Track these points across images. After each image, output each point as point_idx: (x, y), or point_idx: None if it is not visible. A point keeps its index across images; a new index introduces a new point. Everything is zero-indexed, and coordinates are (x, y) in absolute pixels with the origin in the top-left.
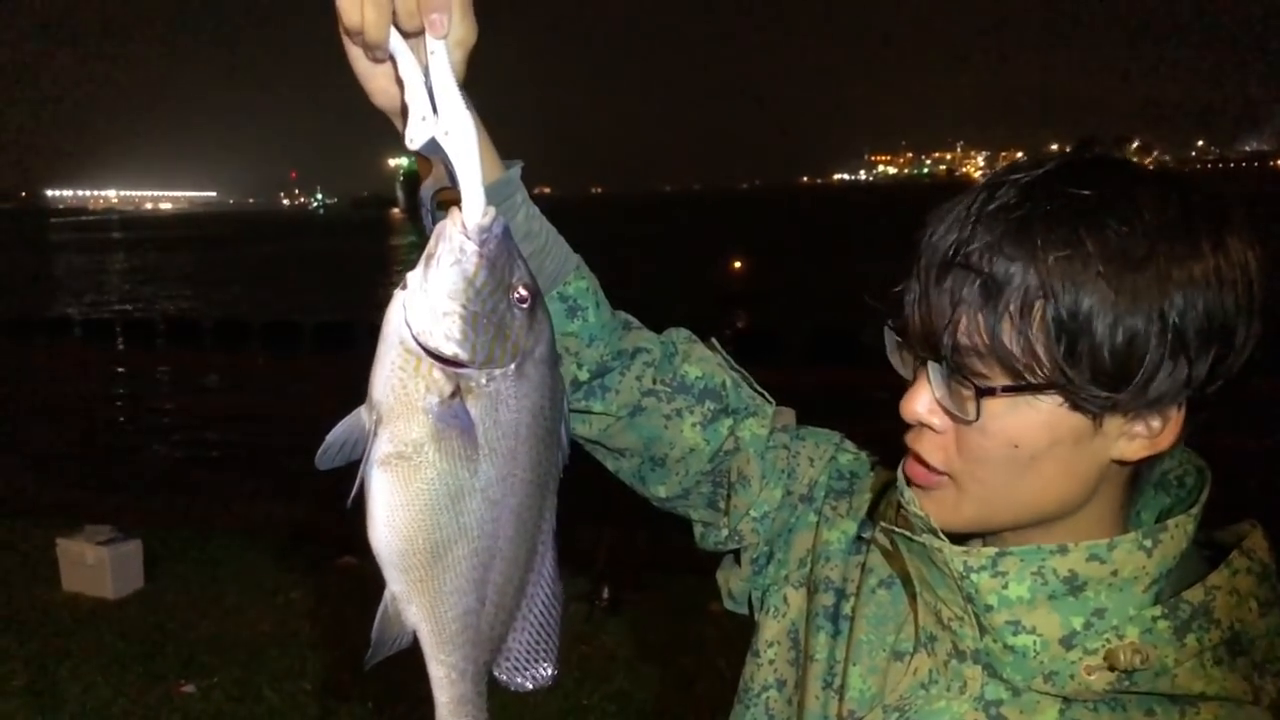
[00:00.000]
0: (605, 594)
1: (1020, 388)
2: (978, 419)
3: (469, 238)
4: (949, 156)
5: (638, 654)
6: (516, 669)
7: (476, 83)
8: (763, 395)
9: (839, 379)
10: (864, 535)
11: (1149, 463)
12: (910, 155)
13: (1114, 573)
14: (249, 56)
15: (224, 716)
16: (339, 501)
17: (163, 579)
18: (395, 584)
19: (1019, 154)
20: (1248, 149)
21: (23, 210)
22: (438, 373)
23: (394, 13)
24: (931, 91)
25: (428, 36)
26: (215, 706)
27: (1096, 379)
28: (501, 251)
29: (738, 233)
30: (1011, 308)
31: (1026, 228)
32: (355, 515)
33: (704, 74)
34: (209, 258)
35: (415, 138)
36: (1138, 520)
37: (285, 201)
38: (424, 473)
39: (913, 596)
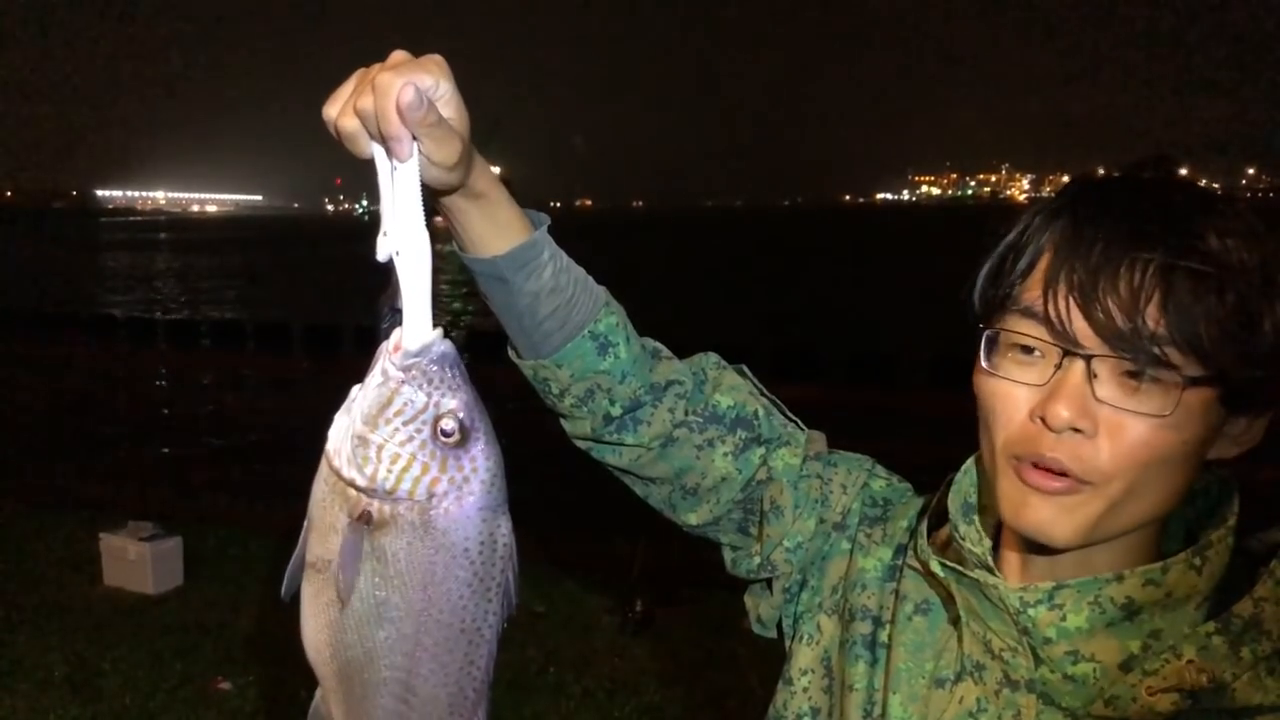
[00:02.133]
0: (638, 607)
1: (1218, 378)
2: (1172, 413)
3: (394, 363)
4: (994, 178)
5: (670, 668)
6: None
7: (518, 95)
8: (795, 422)
9: (877, 398)
10: (897, 562)
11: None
12: (954, 176)
13: (1168, 594)
14: (297, 64)
15: (259, 714)
16: None
17: (202, 577)
18: (321, 685)
19: (1065, 178)
20: None
21: (74, 209)
22: (351, 491)
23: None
24: (978, 113)
25: (390, 157)
26: (251, 704)
27: (1266, 370)
28: (430, 380)
29: (778, 250)
30: (1205, 298)
31: (1185, 223)
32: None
33: (749, 90)
34: (253, 260)
35: (378, 251)
36: (1166, 533)
37: (329, 207)
38: (331, 590)
39: (953, 621)
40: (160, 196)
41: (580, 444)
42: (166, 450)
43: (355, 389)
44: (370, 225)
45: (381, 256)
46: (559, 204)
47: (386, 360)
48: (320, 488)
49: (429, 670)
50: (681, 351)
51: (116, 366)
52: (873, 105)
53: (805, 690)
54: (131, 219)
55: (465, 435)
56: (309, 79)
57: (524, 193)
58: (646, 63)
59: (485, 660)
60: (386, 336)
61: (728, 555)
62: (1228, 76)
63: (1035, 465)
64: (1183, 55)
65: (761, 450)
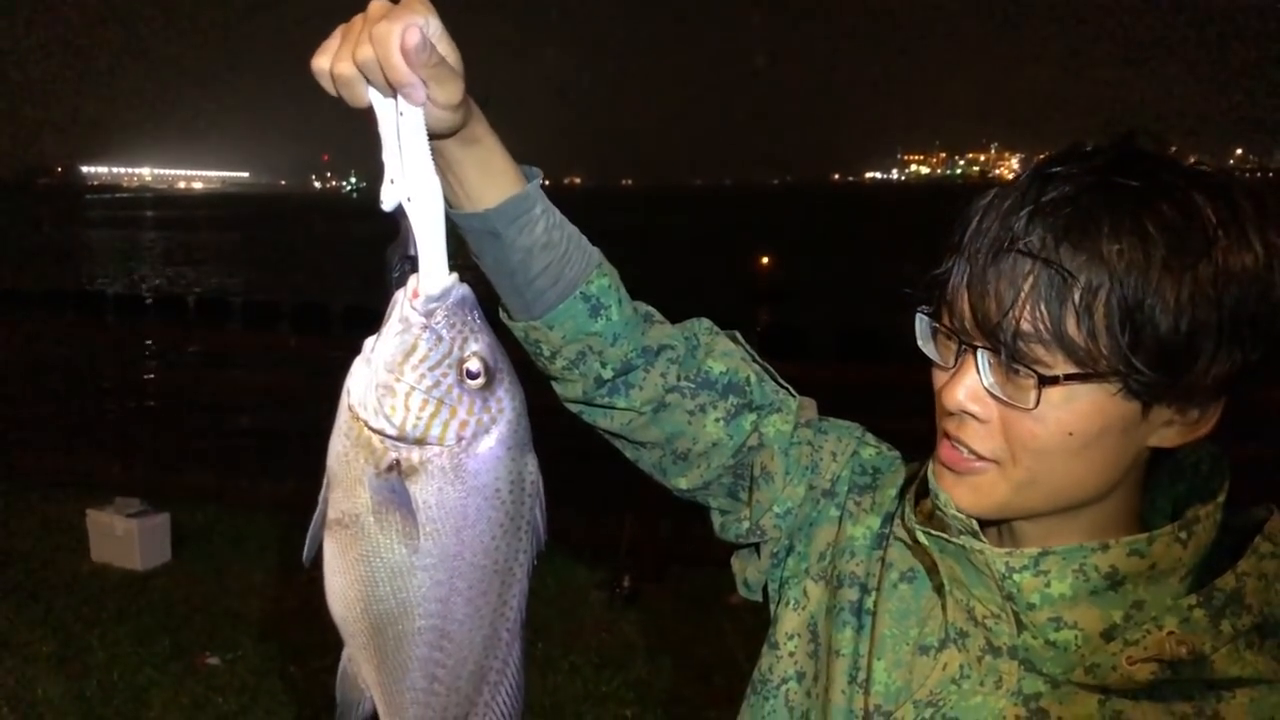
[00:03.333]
0: (626, 582)
1: (1083, 375)
2: (1036, 407)
3: (415, 309)
4: (983, 157)
5: (657, 643)
6: None
7: (510, 73)
8: (787, 389)
9: (865, 375)
10: (885, 531)
11: (1171, 449)
12: (944, 155)
13: (1152, 566)
14: (284, 38)
15: (247, 689)
16: None
17: (190, 553)
18: (349, 645)
19: None
20: None
21: (59, 186)
22: (377, 442)
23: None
24: (966, 92)
25: (400, 100)
26: (239, 679)
27: (1158, 367)
28: (452, 324)
29: (767, 229)
30: (1076, 296)
31: (1089, 217)
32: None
33: (738, 69)
34: (240, 237)
35: (385, 200)
36: (1153, 507)
37: (317, 184)
38: (361, 544)
39: (937, 589)
40: (146, 173)
41: (572, 407)
42: (154, 426)
43: (370, 340)
44: (358, 203)
45: (388, 205)
46: (549, 181)
47: (406, 307)
48: (341, 443)
49: (464, 615)
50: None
51: (103, 342)
52: (862, 84)
53: (791, 655)
54: (117, 195)
55: (490, 377)
56: (296, 55)
57: None
58: (636, 41)
59: (518, 600)
60: (399, 285)
61: (716, 520)
62: (1217, 56)
63: (953, 444)
64: (1173, 35)
65: (753, 416)
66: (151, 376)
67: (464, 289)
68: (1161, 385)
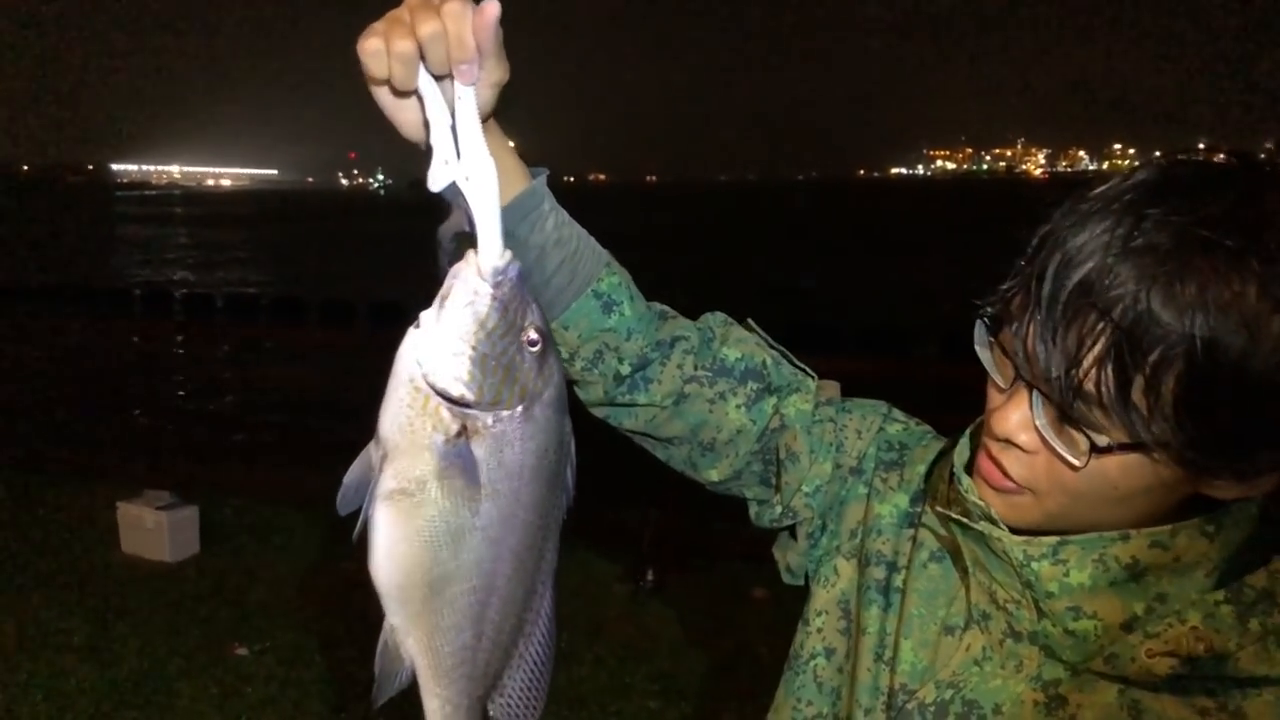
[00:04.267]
0: (649, 576)
1: (1137, 446)
2: (1085, 466)
3: (483, 280)
4: (1009, 153)
5: (680, 636)
6: (511, 707)
7: (532, 73)
8: (804, 370)
9: (889, 370)
10: (915, 509)
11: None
12: (969, 151)
13: (1176, 559)
14: (312, 36)
15: (275, 679)
16: None
17: (219, 545)
18: (394, 616)
19: (1081, 153)
20: None
21: (89, 184)
22: (445, 412)
23: (422, 56)
24: (993, 87)
25: (455, 82)
26: (267, 669)
27: (1216, 455)
28: (515, 295)
29: (791, 224)
30: (1147, 369)
31: (1177, 281)
32: (361, 548)
33: (763, 64)
34: (268, 234)
35: (436, 180)
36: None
37: (344, 182)
38: (426, 510)
39: (964, 572)
40: (175, 170)
41: (597, 412)
42: (184, 420)
43: (427, 313)
44: (385, 200)
45: (438, 185)
46: (572, 178)
47: (474, 280)
48: (404, 413)
49: (510, 570)
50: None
51: (133, 338)
52: (887, 79)
53: (820, 631)
54: (146, 193)
55: (545, 344)
56: (324, 52)
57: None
58: (660, 38)
59: (552, 553)
60: (453, 261)
61: (753, 509)
62: (1251, 49)
63: (995, 464)
64: (1205, 27)
65: (773, 399)
66: (181, 371)
67: (519, 264)
68: (1217, 467)
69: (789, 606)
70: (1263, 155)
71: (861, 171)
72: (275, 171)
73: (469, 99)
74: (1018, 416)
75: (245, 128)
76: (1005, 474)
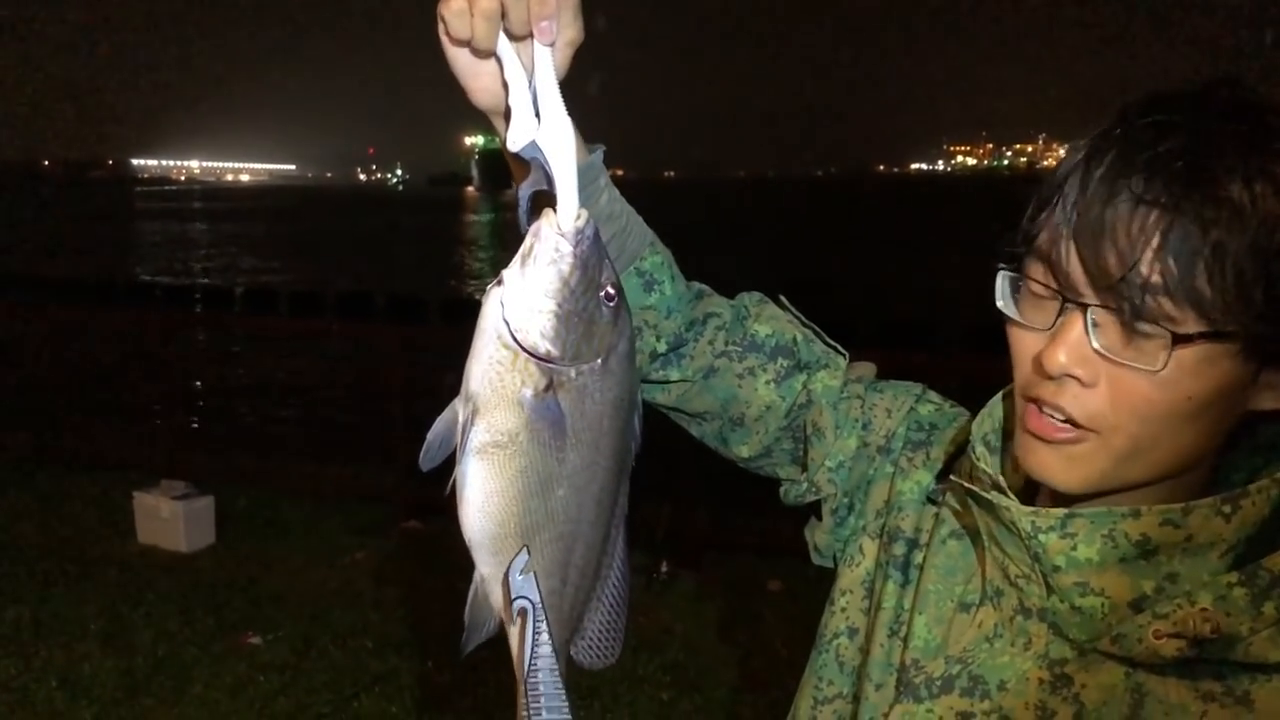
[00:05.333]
0: (664, 568)
1: (1217, 334)
2: (1163, 369)
3: (565, 238)
4: (1030, 149)
5: (694, 628)
6: (592, 648)
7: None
8: (836, 349)
9: (909, 364)
10: (938, 486)
11: (1266, 414)
12: (990, 147)
13: (1188, 538)
14: (330, 32)
15: (288, 668)
16: (406, 467)
17: (234, 535)
18: (485, 566)
19: None
20: None
21: (110, 179)
22: (533, 367)
23: (504, 17)
24: (1014, 82)
25: (535, 42)
26: (280, 658)
27: None
28: (593, 253)
29: (810, 219)
30: (1209, 247)
31: (1213, 164)
32: (449, 500)
33: (782, 59)
34: (286, 229)
35: (517, 140)
36: (1228, 482)
37: (362, 177)
38: (518, 461)
39: (981, 549)
40: (194, 165)
41: None
42: (200, 410)
43: (509, 271)
44: (403, 195)
45: (518, 145)
46: None
47: (554, 238)
48: (495, 369)
49: (593, 516)
50: None
51: (151, 328)
52: (907, 74)
53: (844, 610)
54: (166, 188)
55: (620, 298)
56: (343, 48)
57: None
58: (678, 31)
59: (624, 498)
60: (532, 219)
61: (782, 488)
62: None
63: (1040, 410)
64: (1231, 19)
65: (803, 376)
66: (198, 362)
67: (594, 221)
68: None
69: (804, 600)
70: None
71: (881, 167)
72: (293, 167)
73: (547, 59)
74: (1071, 347)
75: (264, 122)
76: (1067, 419)
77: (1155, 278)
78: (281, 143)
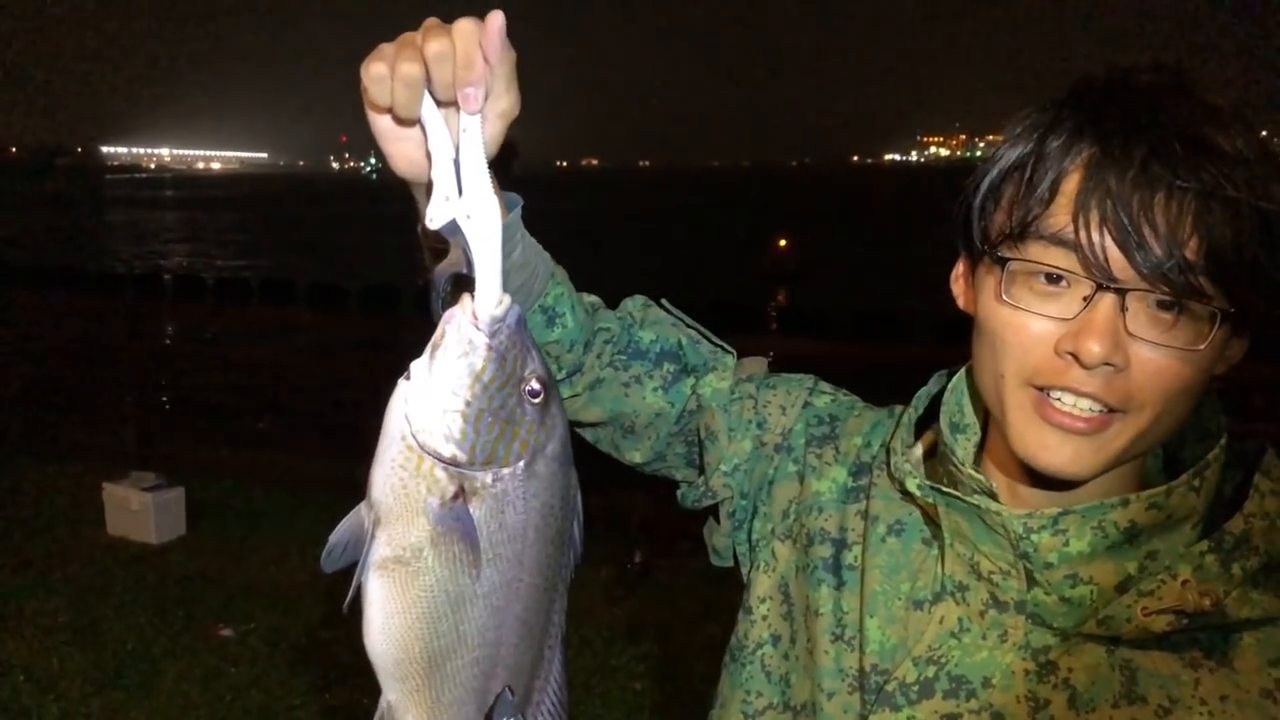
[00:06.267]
0: (637, 558)
1: (1243, 310)
2: (1205, 346)
3: (479, 329)
4: (1003, 139)
5: (667, 618)
6: None
7: (532, 58)
8: (723, 348)
9: (884, 356)
10: (861, 482)
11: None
12: (963, 137)
13: (1169, 516)
14: (303, 19)
15: (260, 660)
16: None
17: (204, 527)
18: (391, 692)
19: None
20: None
21: (80, 166)
22: (440, 472)
23: (428, 80)
24: (987, 73)
25: (461, 112)
26: (251, 650)
27: (1274, 294)
28: (513, 344)
29: (785, 210)
30: (1237, 224)
31: (1211, 139)
32: (352, 618)
33: (757, 50)
34: (259, 217)
35: (436, 217)
36: (1157, 453)
37: (335, 165)
38: (422, 579)
39: (926, 542)
40: (165, 153)
41: None
42: (171, 401)
43: (418, 363)
44: (377, 184)
45: (438, 223)
46: (565, 163)
47: (467, 329)
48: (396, 475)
49: (518, 638)
50: (692, 312)
51: (122, 319)
52: (882, 66)
53: (765, 618)
54: (137, 175)
55: (548, 395)
56: (314, 35)
57: (530, 154)
58: (654, 20)
59: (560, 615)
60: (446, 305)
61: (679, 491)
62: (1242, 35)
63: (1058, 403)
64: (1196, 13)
65: (691, 380)
66: (169, 353)
67: (519, 308)
68: (1262, 314)
69: (736, 568)
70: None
71: (855, 158)
72: (265, 155)
73: (475, 130)
74: (1105, 334)
75: (237, 111)
76: (1100, 405)
77: (1195, 258)
78: (253, 131)
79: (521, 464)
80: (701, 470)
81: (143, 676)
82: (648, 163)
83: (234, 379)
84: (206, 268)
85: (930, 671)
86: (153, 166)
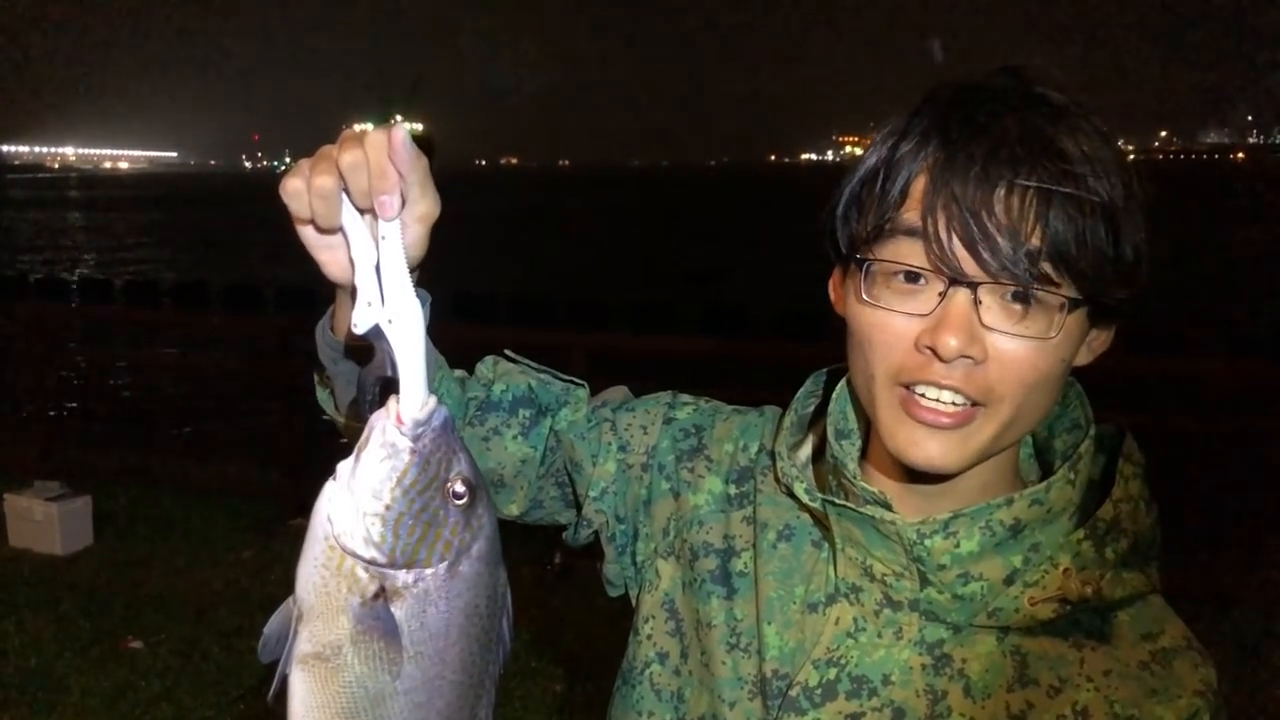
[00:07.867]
0: (557, 559)
1: (1088, 299)
2: (1057, 335)
3: (402, 433)
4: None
5: (588, 618)
6: None
7: (444, 54)
8: (573, 382)
9: (803, 354)
10: (744, 489)
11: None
12: (877, 137)
13: (1049, 510)
14: (213, 13)
15: (171, 672)
16: (292, 463)
17: (112, 536)
18: None
19: None
20: (1209, 141)
21: None
22: (361, 572)
23: (346, 190)
24: (902, 75)
25: (379, 219)
26: (162, 662)
27: (1127, 286)
28: (437, 448)
29: (704, 209)
30: (1081, 218)
31: (1051, 143)
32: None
33: (675, 50)
34: (169, 219)
35: (360, 323)
36: (1027, 442)
37: (248, 164)
38: (342, 675)
39: (816, 544)
40: (70, 152)
41: None
42: (77, 407)
43: (344, 465)
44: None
45: (362, 328)
46: (484, 161)
47: (392, 433)
48: (319, 574)
49: None
50: (616, 310)
51: (24, 323)
52: (800, 66)
53: (650, 638)
54: (39, 175)
55: (473, 496)
56: (226, 31)
57: (448, 152)
58: (573, 21)
59: (487, 710)
60: (373, 409)
61: (565, 535)
62: (1142, 45)
63: (923, 399)
64: (1097, 19)
65: (548, 420)
66: (73, 357)
67: (445, 410)
68: (1118, 306)
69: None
70: (1155, 144)
71: (773, 157)
72: (175, 154)
73: (395, 235)
74: (961, 328)
75: (143, 108)
76: (961, 398)
77: (1040, 250)
78: (162, 130)
79: (444, 565)
80: (577, 506)
81: (45, 693)
82: (568, 162)
83: (143, 383)
84: (114, 270)
85: (831, 673)
86: (56, 166)
